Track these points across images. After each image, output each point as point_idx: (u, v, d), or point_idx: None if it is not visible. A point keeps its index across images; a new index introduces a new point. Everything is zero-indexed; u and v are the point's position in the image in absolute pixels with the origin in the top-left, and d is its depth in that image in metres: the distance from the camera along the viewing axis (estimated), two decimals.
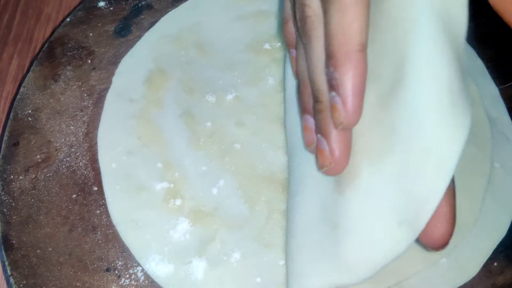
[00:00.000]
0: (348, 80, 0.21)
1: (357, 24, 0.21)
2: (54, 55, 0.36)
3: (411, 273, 0.28)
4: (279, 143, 0.32)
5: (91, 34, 0.37)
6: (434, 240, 0.22)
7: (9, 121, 0.33)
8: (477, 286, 0.29)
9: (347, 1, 0.21)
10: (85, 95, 0.34)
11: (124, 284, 0.28)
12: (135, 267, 0.29)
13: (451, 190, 0.22)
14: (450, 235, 0.22)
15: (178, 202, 0.30)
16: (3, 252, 0.29)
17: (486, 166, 0.32)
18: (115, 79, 0.35)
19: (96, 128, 0.33)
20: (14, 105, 0.34)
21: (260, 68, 0.35)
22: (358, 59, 0.22)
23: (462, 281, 0.29)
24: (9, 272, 0.28)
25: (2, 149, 0.32)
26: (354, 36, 0.21)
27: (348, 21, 0.22)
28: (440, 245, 0.22)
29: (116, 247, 0.29)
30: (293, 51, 0.28)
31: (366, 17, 0.22)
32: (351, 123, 0.22)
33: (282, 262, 0.28)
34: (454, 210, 0.22)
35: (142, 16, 0.38)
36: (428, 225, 0.21)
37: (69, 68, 0.35)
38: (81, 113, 0.34)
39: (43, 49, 0.36)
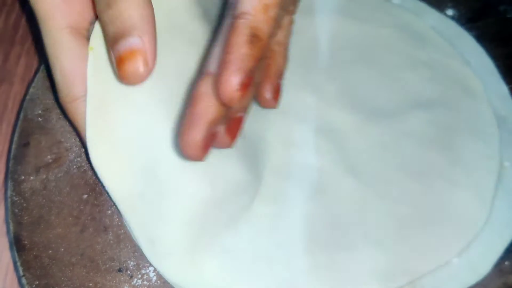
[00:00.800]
0: None
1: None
2: None
3: (422, 273, 0.28)
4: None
5: None
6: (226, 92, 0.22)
7: (19, 121, 0.33)
8: (489, 285, 0.29)
9: None
10: None
11: (136, 285, 0.28)
12: (147, 267, 0.29)
13: None
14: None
15: None
16: (15, 253, 0.29)
17: (494, 163, 0.32)
18: None
19: None
20: (24, 105, 0.33)
21: None
22: None
23: (474, 281, 0.29)
24: (21, 273, 0.28)
25: (12, 149, 0.32)
26: None
27: None
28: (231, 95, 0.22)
29: (128, 247, 0.29)
30: None
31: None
32: None
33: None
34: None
35: None
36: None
37: None
38: None
39: None
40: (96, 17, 0.26)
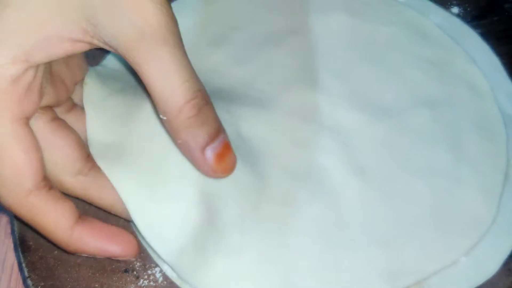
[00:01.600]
0: None
1: None
2: None
3: (430, 272, 0.28)
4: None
5: None
6: None
7: None
8: (497, 285, 0.29)
9: None
10: None
11: (143, 285, 0.28)
12: (153, 268, 0.28)
13: None
14: None
15: None
16: (20, 254, 0.29)
17: (501, 161, 0.32)
18: None
19: None
20: None
21: None
22: None
23: (482, 280, 0.29)
24: (26, 274, 0.28)
25: None
26: None
27: None
28: None
29: None
30: None
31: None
32: None
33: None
34: None
35: None
36: None
37: None
38: None
39: None
40: None
